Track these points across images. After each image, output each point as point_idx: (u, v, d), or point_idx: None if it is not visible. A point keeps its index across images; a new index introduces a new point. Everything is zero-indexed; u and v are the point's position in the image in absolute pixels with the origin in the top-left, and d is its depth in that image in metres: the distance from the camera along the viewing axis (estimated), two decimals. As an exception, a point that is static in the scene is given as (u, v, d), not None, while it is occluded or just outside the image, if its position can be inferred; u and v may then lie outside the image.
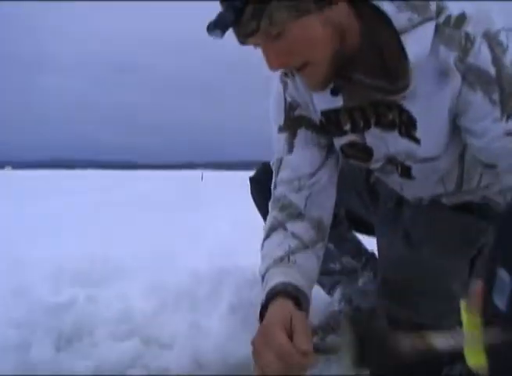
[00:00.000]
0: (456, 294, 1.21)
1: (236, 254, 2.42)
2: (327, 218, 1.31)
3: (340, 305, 1.78)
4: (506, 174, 1.09)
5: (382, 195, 1.46)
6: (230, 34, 1.03)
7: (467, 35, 1.03)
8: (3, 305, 1.84)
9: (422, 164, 1.21)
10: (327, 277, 1.73)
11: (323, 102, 1.23)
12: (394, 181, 1.34)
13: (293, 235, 1.24)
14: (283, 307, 1.06)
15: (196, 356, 1.69)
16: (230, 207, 5.40)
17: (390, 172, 1.30)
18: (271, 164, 1.39)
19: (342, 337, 0.76)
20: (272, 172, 1.36)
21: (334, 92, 1.18)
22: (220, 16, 0.99)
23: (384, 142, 1.22)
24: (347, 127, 1.24)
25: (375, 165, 1.30)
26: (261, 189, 1.60)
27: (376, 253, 1.57)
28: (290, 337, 0.96)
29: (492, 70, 1.02)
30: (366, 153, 1.27)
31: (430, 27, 1.04)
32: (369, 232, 1.72)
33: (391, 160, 1.25)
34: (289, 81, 1.28)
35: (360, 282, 1.76)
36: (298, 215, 1.27)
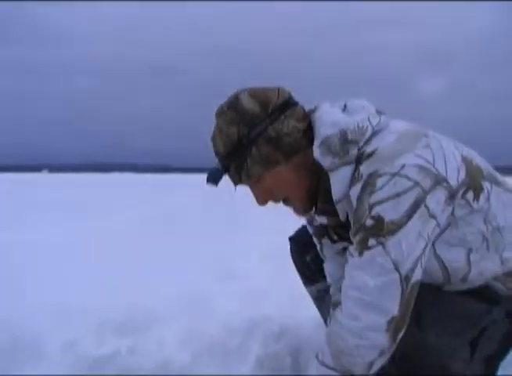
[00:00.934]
0: (458, 372, 1.36)
1: (266, 299, 2.60)
2: None
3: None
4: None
5: None
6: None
7: (359, 172, 1.25)
8: (52, 358, 2.04)
9: None
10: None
11: (318, 217, 1.51)
12: None
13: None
14: None
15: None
16: (264, 231, 5.53)
17: None
18: None
19: None
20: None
21: (317, 213, 1.48)
22: (213, 173, 1.34)
23: None
24: (335, 238, 1.54)
25: None
26: (300, 251, 1.89)
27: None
28: None
29: (355, 203, 1.25)
30: None
31: (348, 168, 1.28)
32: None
33: None
34: None
35: None
36: None
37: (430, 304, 1.31)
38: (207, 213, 8.42)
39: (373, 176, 1.22)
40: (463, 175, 1.29)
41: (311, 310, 2.02)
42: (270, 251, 2.94)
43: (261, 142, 1.30)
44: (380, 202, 1.20)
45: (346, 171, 1.28)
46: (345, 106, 1.40)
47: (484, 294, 1.38)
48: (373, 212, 1.21)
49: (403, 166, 1.20)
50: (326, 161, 1.30)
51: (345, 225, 1.41)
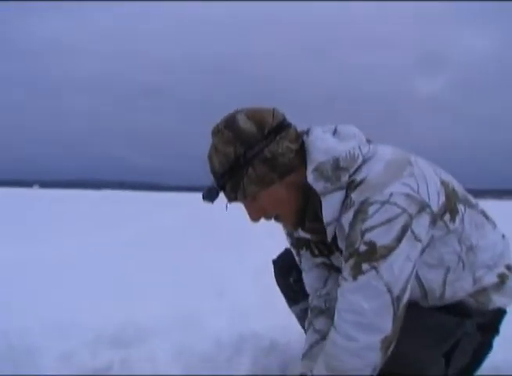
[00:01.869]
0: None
1: (255, 316, 2.67)
2: None
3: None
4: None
5: None
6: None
7: (351, 199, 1.34)
8: (48, 369, 2.10)
9: None
10: None
11: (302, 232, 1.59)
12: None
13: (315, 330, 1.68)
14: None
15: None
16: (255, 247, 5.60)
17: None
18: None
19: None
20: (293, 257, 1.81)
21: (304, 229, 1.56)
22: (209, 190, 1.41)
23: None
24: (316, 252, 1.64)
25: None
26: (284, 274, 1.97)
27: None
28: None
29: (347, 229, 1.34)
30: (337, 270, 1.60)
31: (340, 194, 1.37)
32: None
33: None
34: None
35: None
36: (321, 312, 1.69)
37: (406, 318, 1.37)
38: (197, 231, 8.44)
39: (364, 204, 1.31)
40: (442, 198, 1.39)
41: (299, 326, 2.07)
42: (260, 268, 3.00)
43: (258, 162, 1.36)
44: (372, 228, 1.28)
45: (337, 196, 1.37)
46: (335, 130, 1.48)
47: (456, 308, 1.47)
48: (366, 238, 1.29)
49: (391, 194, 1.29)
50: (318, 186, 1.38)
51: (326, 243, 1.52)
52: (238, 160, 1.36)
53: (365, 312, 1.27)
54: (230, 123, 1.39)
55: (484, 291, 1.48)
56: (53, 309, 2.67)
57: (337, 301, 1.36)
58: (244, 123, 1.38)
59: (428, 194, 1.34)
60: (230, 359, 2.27)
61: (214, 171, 1.41)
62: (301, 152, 1.42)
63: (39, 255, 4.83)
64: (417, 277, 1.41)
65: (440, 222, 1.38)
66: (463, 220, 1.44)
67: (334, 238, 1.44)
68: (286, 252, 1.95)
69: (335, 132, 1.47)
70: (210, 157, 1.42)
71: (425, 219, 1.32)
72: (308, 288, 1.77)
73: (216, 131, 1.41)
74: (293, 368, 2.16)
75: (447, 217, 1.40)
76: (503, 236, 1.60)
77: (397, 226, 1.28)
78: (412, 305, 1.45)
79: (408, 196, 1.30)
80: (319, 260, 1.67)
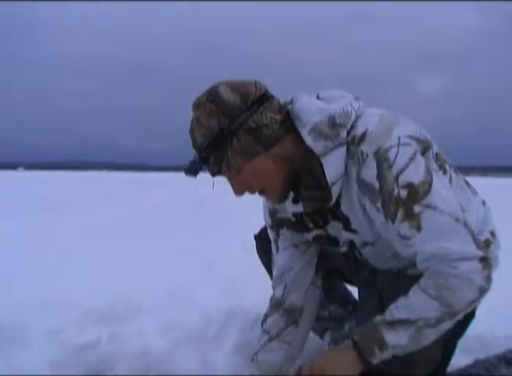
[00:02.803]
0: (420, 354, 1.45)
1: (243, 291, 2.69)
2: (302, 297, 1.74)
3: (329, 347, 2.03)
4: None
5: (360, 262, 1.68)
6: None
7: (362, 153, 1.32)
8: (36, 345, 2.11)
9: (365, 248, 1.53)
10: (318, 323, 1.96)
11: (291, 206, 1.56)
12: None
13: (264, 331, 1.73)
14: None
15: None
16: (242, 224, 5.62)
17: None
18: None
19: None
20: None
21: (294, 201, 1.53)
22: (192, 164, 1.38)
23: (340, 232, 1.54)
24: (311, 225, 1.59)
25: (342, 249, 1.61)
26: (266, 248, 1.95)
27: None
28: None
29: (376, 184, 1.31)
30: (332, 241, 1.59)
31: (341, 150, 1.34)
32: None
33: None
34: None
35: (346, 328, 2.02)
36: (276, 306, 1.72)
37: (392, 288, 1.39)
38: (185, 209, 8.46)
39: (380, 152, 1.29)
40: (436, 149, 1.42)
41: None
42: (247, 244, 3.01)
43: (242, 133, 1.33)
44: (402, 170, 1.28)
45: (340, 153, 1.34)
46: (318, 97, 1.46)
47: None
48: (401, 182, 1.28)
49: (399, 137, 1.30)
50: (318, 146, 1.35)
51: (321, 213, 1.51)
52: (222, 133, 1.33)
53: (452, 251, 1.25)
54: (213, 95, 1.36)
55: None
56: (41, 285, 2.69)
57: (417, 258, 1.31)
58: (227, 95, 1.35)
59: (427, 136, 1.39)
60: (218, 333, 2.28)
61: (196, 145, 1.39)
62: (286, 123, 1.39)
63: (27, 233, 4.83)
64: None
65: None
66: (451, 180, 1.45)
67: (333, 206, 1.43)
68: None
69: (318, 98, 1.46)
70: (192, 131, 1.39)
71: (431, 157, 1.37)
72: (276, 270, 1.77)
73: (198, 104, 1.38)
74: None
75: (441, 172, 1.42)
76: (483, 202, 1.61)
77: (421, 162, 1.30)
78: (395, 275, 1.48)
79: (412, 137, 1.33)
80: (312, 235, 1.63)
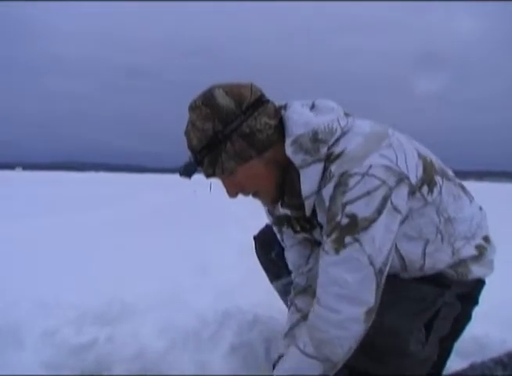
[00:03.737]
0: (415, 353, 1.46)
1: (240, 292, 2.69)
2: None
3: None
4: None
5: None
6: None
7: (330, 171, 1.34)
8: (32, 346, 2.10)
9: None
10: None
11: (281, 209, 1.59)
12: None
13: (297, 310, 1.68)
14: None
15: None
16: (239, 226, 5.63)
17: None
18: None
19: None
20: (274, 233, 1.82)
21: (283, 206, 1.56)
22: (186, 166, 1.41)
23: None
24: (298, 228, 1.64)
25: None
26: (265, 250, 1.97)
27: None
28: None
29: (327, 203, 1.35)
30: (318, 246, 1.59)
31: (318, 166, 1.37)
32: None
33: None
34: None
35: None
36: (303, 290, 1.70)
37: (387, 289, 1.38)
38: (182, 211, 8.46)
39: (344, 176, 1.31)
40: (420, 171, 1.40)
41: (282, 302, 2.10)
42: (244, 247, 3.03)
43: (236, 138, 1.36)
44: (353, 200, 1.29)
45: (316, 169, 1.37)
46: (313, 105, 1.48)
47: (436, 279, 1.50)
48: (347, 211, 1.29)
49: (370, 166, 1.30)
50: (297, 159, 1.38)
51: (307, 219, 1.53)
52: (216, 136, 1.36)
53: (349, 285, 1.28)
54: (208, 99, 1.38)
55: (463, 262, 1.50)
56: (37, 286, 2.68)
57: (319, 275, 1.36)
58: (222, 98, 1.36)
59: (406, 166, 1.35)
60: (214, 334, 2.28)
61: (191, 147, 1.41)
62: (280, 128, 1.41)
63: (23, 234, 4.82)
64: (397, 249, 1.42)
65: (418, 193, 1.40)
66: (440, 192, 1.46)
67: (313, 213, 1.45)
68: (267, 228, 1.95)
69: (313, 107, 1.47)
70: (187, 133, 1.41)
71: (404, 191, 1.33)
72: (290, 265, 1.78)
73: (194, 107, 1.40)
74: (277, 342, 2.20)
75: (425, 189, 1.41)
76: (480, 208, 1.63)
77: (377, 198, 1.29)
78: (391, 277, 1.47)
79: (386, 168, 1.31)
80: (300, 236, 1.67)
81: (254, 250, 2.07)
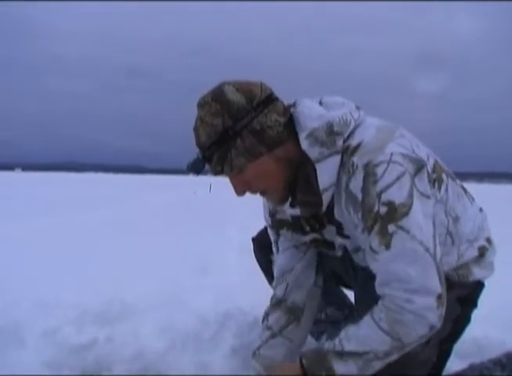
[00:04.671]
0: (416, 354, 1.46)
1: (240, 293, 2.68)
2: (303, 296, 1.75)
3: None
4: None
5: (357, 266, 1.67)
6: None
7: (353, 163, 1.33)
8: (32, 346, 2.11)
9: (357, 254, 1.55)
10: (314, 326, 1.97)
11: (289, 209, 1.58)
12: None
13: (267, 327, 1.74)
14: None
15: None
16: (239, 227, 5.63)
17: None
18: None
19: None
20: None
21: (292, 205, 1.55)
22: (194, 162, 1.39)
23: (334, 237, 1.56)
24: (307, 229, 1.61)
25: (338, 253, 1.64)
26: (264, 251, 1.97)
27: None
28: None
29: (360, 196, 1.33)
30: (328, 245, 1.61)
31: (336, 159, 1.36)
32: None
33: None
34: None
35: (342, 331, 2.03)
36: (278, 304, 1.74)
37: None
38: (182, 212, 8.46)
39: (369, 166, 1.30)
40: (431, 163, 1.42)
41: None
42: (244, 247, 3.03)
43: (246, 134, 1.34)
44: (386, 188, 1.28)
45: (334, 161, 1.35)
46: (320, 102, 1.47)
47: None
48: (383, 199, 1.28)
49: (392, 154, 1.30)
50: (314, 152, 1.36)
51: (318, 218, 1.52)
52: (226, 132, 1.34)
53: (413, 279, 1.26)
54: (218, 95, 1.36)
55: (465, 264, 1.50)
56: (37, 286, 2.68)
57: (378, 276, 1.33)
58: (233, 94, 1.35)
59: (421, 155, 1.37)
60: (214, 335, 2.28)
61: (200, 144, 1.38)
62: (289, 126, 1.40)
63: (23, 234, 4.82)
64: None
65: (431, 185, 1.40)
66: (447, 190, 1.46)
67: (327, 210, 1.43)
68: (266, 229, 1.94)
69: (320, 104, 1.47)
70: (196, 129, 1.39)
71: (424, 177, 1.34)
72: (276, 271, 1.78)
73: (203, 103, 1.38)
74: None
75: (435, 185, 1.42)
76: (481, 209, 1.63)
77: (406, 184, 1.29)
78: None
79: (405, 155, 1.32)
80: (308, 238, 1.65)
81: (253, 252, 2.07)
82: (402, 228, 1.27)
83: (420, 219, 1.29)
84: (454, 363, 1.90)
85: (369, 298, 1.55)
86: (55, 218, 6.59)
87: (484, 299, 1.60)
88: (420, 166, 1.34)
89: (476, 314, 1.62)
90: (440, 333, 1.50)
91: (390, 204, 1.28)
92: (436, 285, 1.28)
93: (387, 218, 1.28)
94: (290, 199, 1.52)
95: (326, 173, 1.36)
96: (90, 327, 2.29)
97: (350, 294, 2.04)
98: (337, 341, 1.36)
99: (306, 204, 1.50)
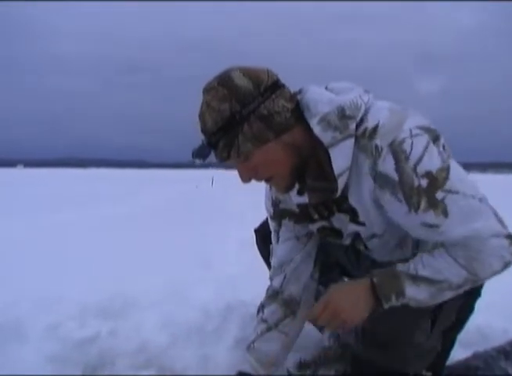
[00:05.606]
0: (419, 343, 1.46)
1: (242, 285, 2.69)
2: (300, 289, 1.73)
3: (329, 341, 2.04)
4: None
5: (362, 255, 1.68)
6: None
7: (376, 146, 1.30)
8: (35, 341, 2.11)
9: (371, 240, 1.52)
10: None
11: (296, 197, 1.55)
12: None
13: (262, 320, 1.73)
14: None
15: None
16: (240, 221, 5.63)
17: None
18: None
19: None
20: None
21: (299, 193, 1.52)
22: (200, 148, 1.35)
23: (345, 225, 1.52)
24: (316, 216, 1.57)
25: (346, 242, 1.60)
26: (266, 242, 1.93)
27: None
28: None
29: (395, 176, 1.30)
30: (336, 233, 1.58)
31: (350, 142, 1.33)
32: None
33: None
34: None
35: None
36: (274, 296, 1.72)
37: None
38: (183, 206, 8.47)
39: (394, 145, 1.28)
40: (443, 140, 1.40)
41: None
42: (245, 241, 3.03)
43: (254, 119, 1.31)
44: (419, 160, 1.27)
45: (347, 145, 1.33)
46: (326, 88, 1.45)
47: None
48: (420, 172, 1.27)
49: (410, 129, 1.30)
50: (327, 137, 1.33)
51: (327, 205, 1.50)
52: (233, 117, 1.31)
53: (481, 230, 1.26)
54: (225, 80, 1.33)
55: None
56: (40, 282, 2.69)
57: (451, 245, 1.32)
58: (240, 79, 1.32)
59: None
60: (217, 328, 2.29)
61: (205, 129, 1.35)
62: (296, 112, 1.37)
63: (25, 230, 4.83)
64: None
65: None
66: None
67: (339, 197, 1.41)
68: (268, 221, 1.93)
69: (327, 89, 1.44)
70: (202, 115, 1.36)
71: (441, 145, 1.35)
72: (274, 261, 1.76)
73: (209, 89, 1.35)
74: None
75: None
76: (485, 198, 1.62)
77: (434, 150, 1.30)
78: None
79: (422, 127, 1.32)
80: (316, 226, 1.62)
81: (255, 243, 2.06)
82: (450, 191, 1.27)
83: (461, 174, 1.31)
84: (458, 352, 1.89)
85: None
86: (58, 214, 6.62)
87: (487, 288, 1.59)
88: (436, 136, 1.34)
89: (480, 303, 1.61)
90: (444, 323, 1.50)
91: (429, 174, 1.27)
92: (500, 228, 1.29)
93: (431, 188, 1.28)
94: (296, 186, 1.49)
95: (340, 157, 1.34)
96: (93, 321, 2.29)
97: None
98: (411, 264, 1.34)
99: (317, 189, 1.47)
